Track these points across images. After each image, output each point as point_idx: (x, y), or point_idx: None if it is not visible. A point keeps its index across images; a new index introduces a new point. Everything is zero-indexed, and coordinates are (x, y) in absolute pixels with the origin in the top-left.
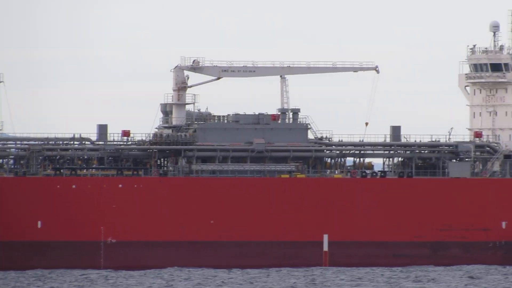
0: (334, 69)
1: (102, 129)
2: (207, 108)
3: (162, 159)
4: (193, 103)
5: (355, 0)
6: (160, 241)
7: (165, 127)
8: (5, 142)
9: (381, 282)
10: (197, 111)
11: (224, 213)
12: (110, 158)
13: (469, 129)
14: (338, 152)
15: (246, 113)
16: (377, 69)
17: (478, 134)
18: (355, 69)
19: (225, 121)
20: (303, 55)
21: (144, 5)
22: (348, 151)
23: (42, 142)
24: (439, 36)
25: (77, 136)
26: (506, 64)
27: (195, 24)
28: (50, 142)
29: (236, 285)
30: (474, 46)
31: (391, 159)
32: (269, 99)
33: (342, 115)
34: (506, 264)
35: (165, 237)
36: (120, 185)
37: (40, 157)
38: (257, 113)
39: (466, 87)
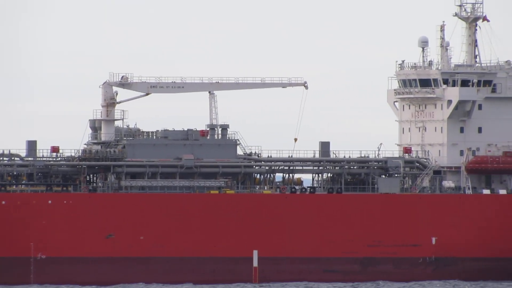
0: (263, 85)
1: (31, 145)
2: (136, 124)
3: (91, 175)
4: (122, 119)
5: (284, 16)
6: (90, 257)
7: (94, 143)
8: None
9: None
10: (126, 127)
11: (153, 229)
12: (39, 174)
13: (398, 145)
14: (267, 168)
15: (175, 129)
16: (305, 85)
17: (407, 150)
18: (283, 85)
19: (154, 137)
20: (233, 70)
21: (72, 21)
22: (277, 167)
23: None
24: (368, 52)
25: (6, 152)
26: (435, 80)
27: (124, 40)
28: None
29: None
30: (403, 61)
31: (320, 175)
32: (198, 115)
33: (271, 131)
34: (436, 279)
35: (95, 253)
36: (50, 201)
37: None
38: (186, 129)
39: (395, 103)
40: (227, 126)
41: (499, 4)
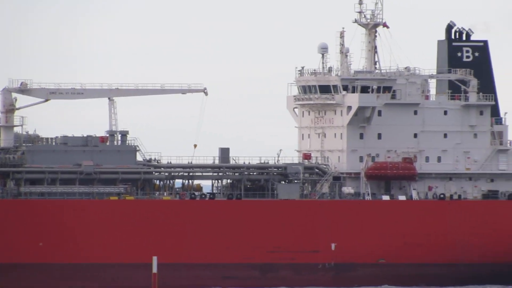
0: (162, 91)
1: None
2: (35, 130)
3: None
4: (21, 125)
5: (185, 23)
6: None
7: None
8: None
9: None
10: (25, 133)
11: (52, 235)
12: None
13: (298, 151)
14: (166, 174)
15: (75, 135)
16: (205, 91)
17: (307, 156)
18: (183, 91)
19: (54, 143)
20: (135, 76)
21: None
22: (176, 173)
23: None
24: (268, 58)
25: None
26: (334, 86)
27: (24, 45)
28: None
29: None
30: (303, 68)
31: (220, 181)
32: (98, 121)
33: (171, 137)
34: (336, 286)
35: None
36: None
37: None
38: (85, 135)
39: (295, 109)
40: (127, 132)
41: (399, 11)
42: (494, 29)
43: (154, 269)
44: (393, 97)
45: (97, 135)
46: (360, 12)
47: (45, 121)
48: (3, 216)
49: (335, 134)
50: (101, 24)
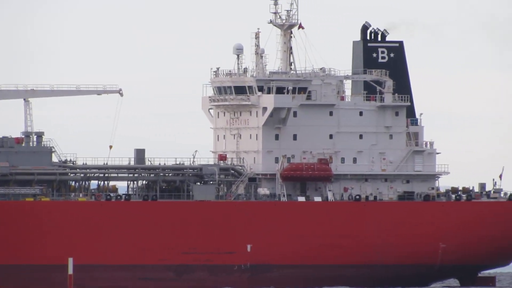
0: (78, 92)
1: None
2: None
3: None
4: None
5: (99, 25)
6: None
7: None
8: None
9: None
10: None
11: None
12: None
13: (213, 152)
14: (82, 175)
15: None
16: (120, 92)
17: (222, 157)
18: (99, 92)
19: None
20: (52, 77)
21: None
22: (92, 174)
23: None
24: (183, 58)
25: None
26: (250, 87)
27: None
28: None
29: None
30: (218, 68)
31: (135, 182)
32: (13, 122)
33: (87, 138)
34: (252, 287)
35: None
36: None
37: None
38: (1, 136)
39: (210, 110)
40: (42, 133)
41: (314, 12)
42: (409, 29)
43: (70, 271)
44: (309, 98)
45: (12, 136)
46: (275, 13)
47: None
48: None
49: (250, 135)
50: (18, 24)
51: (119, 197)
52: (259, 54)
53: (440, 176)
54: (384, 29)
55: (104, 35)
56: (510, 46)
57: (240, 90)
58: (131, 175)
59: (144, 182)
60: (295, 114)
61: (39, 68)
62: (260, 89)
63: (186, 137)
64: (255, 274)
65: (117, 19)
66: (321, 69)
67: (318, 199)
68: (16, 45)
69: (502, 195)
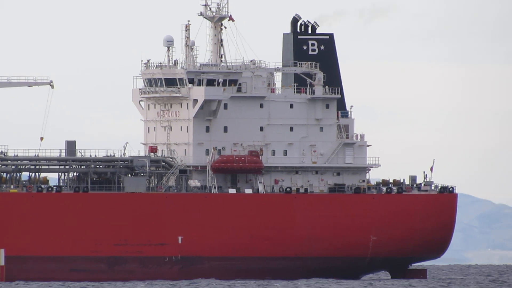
0: (9, 84)
1: None
2: None
3: None
4: None
5: (32, 17)
6: None
7: None
8: None
9: None
10: None
11: None
12: None
13: (144, 144)
14: (13, 166)
15: None
16: (51, 84)
17: (153, 149)
18: (29, 84)
19: None
20: None
21: None
22: (23, 166)
23: None
24: (113, 51)
25: None
26: (180, 79)
27: None
28: None
29: None
30: (148, 61)
31: (66, 174)
32: None
33: (17, 130)
34: (183, 279)
35: None
36: None
37: None
38: None
39: (141, 102)
40: None
41: (244, 4)
42: (340, 21)
43: (2, 262)
44: (239, 90)
45: None
46: (205, 5)
47: None
48: None
49: (181, 127)
50: None
51: (50, 189)
52: (190, 46)
53: (371, 168)
54: (314, 22)
55: (35, 27)
56: (440, 38)
57: (170, 82)
58: (62, 166)
59: (75, 174)
60: (225, 106)
61: None
62: (191, 81)
63: (117, 129)
64: (186, 266)
65: (49, 11)
66: (251, 61)
67: (249, 191)
68: None
69: (433, 187)
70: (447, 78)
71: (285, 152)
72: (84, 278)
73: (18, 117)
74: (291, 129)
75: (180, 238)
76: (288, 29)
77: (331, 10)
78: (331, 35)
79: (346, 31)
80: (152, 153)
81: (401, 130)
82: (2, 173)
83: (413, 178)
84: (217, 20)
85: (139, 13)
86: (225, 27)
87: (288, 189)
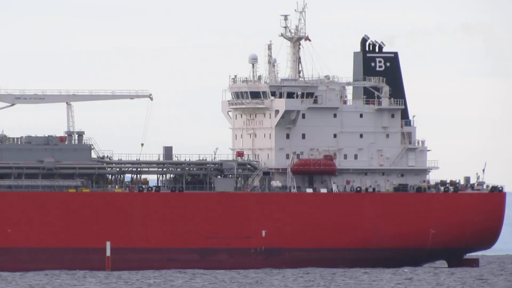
0: (113, 97)
1: None
2: (2, 131)
3: None
4: None
5: (133, 38)
6: None
7: None
8: None
9: (152, 278)
10: None
11: (19, 223)
12: None
13: (232, 149)
14: (118, 169)
15: (37, 135)
16: (150, 96)
17: (240, 154)
18: (131, 97)
19: (19, 142)
20: (90, 83)
21: None
22: (126, 168)
23: None
24: (204, 67)
25: None
26: (264, 92)
27: None
28: None
29: (35, 281)
30: (235, 76)
31: (164, 175)
32: (57, 122)
33: (121, 136)
34: (266, 267)
35: None
36: None
37: None
38: (47, 135)
39: (229, 112)
40: (83, 132)
41: (319, 26)
42: (404, 41)
43: (108, 253)
44: (315, 102)
45: (57, 135)
46: (285, 27)
47: (11, 123)
48: None
49: (264, 134)
50: (61, 34)
51: (150, 189)
52: (272, 63)
53: (431, 170)
54: (381, 41)
55: (137, 48)
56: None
57: (255, 95)
58: (160, 169)
59: (171, 175)
60: (303, 116)
61: (79, 75)
62: (273, 94)
63: (208, 136)
64: (269, 257)
65: (148, 32)
66: (326, 76)
67: (324, 190)
68: (61, 55)
69: (484, 187)
70: (493, 91)
71: (356, 156)
72: (179, 267)
73: (122, 125)
74: (361, 136)
75: (263, 232)
76: (358, 48)
77: (396, 31)
78: (395, 53)
79: (409, 49)
80: (239, 157)
81: (458, 137)
82: (107, 175)
83: (467, 179)
84: (296, 40)
85: (228, 34)
86: (302, 47)
87: (358, 189)
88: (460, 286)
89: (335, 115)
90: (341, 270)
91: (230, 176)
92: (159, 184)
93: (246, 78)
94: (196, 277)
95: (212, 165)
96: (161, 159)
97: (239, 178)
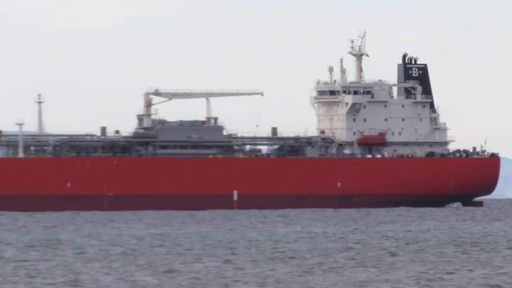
0: (237, 93)
1: (103, 130)
2: (163, 117)
3: (138, 147)
4: (155, 114)
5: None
6: (147, 194)
7: (140, 128)
8: (46, 137)
9: (256, 213)
10: (158, 118)
11: (176, 177)
12: (109, 146)
13: (317, 129)
14: (241, 142)
15: (187, 120)
16: (262, 93)
17: (322, 132)
18: (249, 93)
19: (175, 125)
20: (222, 83)
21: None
22: (247, 142)
23: (68, 137)
24: (298, 74)
25: (88, 133)
26: (338, 91)
27: (160, 59)
28: (73, 137)
29: (175, 212)
30: (319, 80)
31: (272, 146)
32: (200, 111)
33: (242, 120)
34: (340, 208)
35: (146, 191)
36: (115, 162)
37: (68, 146)
38: (193, 119)
39: (315, 104)
40: (217, 118)
41: (375, 45)
42: (431, 56)
43: (235, 198)
44: (372, 97)
45: (199, 119)
46: (352, 47)
47: (170, 111)
48: (146, 167)
49: (338, 119)
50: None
51: (262, 155)
52: (342, 71)
53: (450, 142)
54: (416, 57)
55: (253, 59)
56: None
57: (332, 92)
58: (269, 142)
59: (276, 146)
60: (364, 106)
61: (214, 78)
62: (344, 92)
63: (301, 121)
64: (343, 200)
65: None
66: (379, 80)
67: (378, 156)
68: (204, 67)
69: (486, 154)
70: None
71: (400, 133)
72: (281, 207)
73: (243, 112)
74: (403, 120)
75: (339, 184)
76: (400, 61)
77: (426, 49)
78: (425, 65)
79: (435, 61)
80: (321, 134)
81: (469, 120)
82: (234, 146)
83: (474, 148)
84: (358, 56)
85: (315, 52)
86: (363, 60)
87: (401, 155)
88: (471, 215)
89: (385, 106)
90: (391, 209)
91: (316, 147)
92: (268, 152)
93: (325, 81)
94: (299, 212)
95: (304, 139)
96: (270, 135)
97: (322, 148)
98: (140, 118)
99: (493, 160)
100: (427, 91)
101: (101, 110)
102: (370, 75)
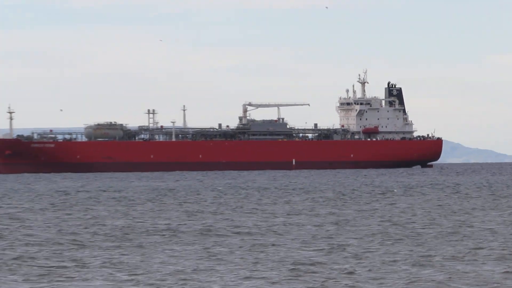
0: (293, 104)
1: (219, 125)
2: (253, 118)
3: (239, 135)
4: (249, 116)
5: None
6: (244, 162)
7: (240, 124)
8: (187, 129)
9: (313, 174)
10: (250, 118)
11: (262, 152)
12: (223, 134)
13: (340, 124)
14: (297, 132)
15: (267, 119)
16: (308, 104)
17: (342, 126)
18: (298, 105)
19: (260, 122)
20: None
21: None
22: (300, 132)
23: (200, 129)
24: (331, 93)
25: (211, 127)
26: (351, 103)
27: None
28: (203, 129)
29: (260, 171)
30: (340, 97)
31: (314, 134)
32: (274, 114)
33: (301, 120)
34: (352, 168)
35: (244, 160)
36: (226, 144)
37: (200, 134)
38: (270, 119)
39: (338, 110)
40: (283, 118)
41: (374, 76)
42: (405, 82)
43: (294, 163)
44: (370, 106)
45: (274, 119)
46: (359, 78)
47: (256, 115)
48: (243, 146)
49: (351, 118)
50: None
51: (308, 139)
52: (354, 91)
53: (414, 132)
54: (395, 83)
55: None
56: None
57: (348, 103)
58: (312, 132)
59: (316, 134)
60: (366, 111)
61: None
62: (355, 103)
63: (330, 118)
64: (356, 165)
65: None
66: (373, 97)
67: (374, 139)
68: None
69: (434, 138)
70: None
71: (386, 126)
72: (318, 168)
73: (296, 116)
74: (388, 119)
75: (352, 155)
76: (386, 85)
77: (402, 77)
78: (400, 88)
79: (411, 84)
80: (342, 127)
81: (426, 119)
82: (294, 134)
83: (428, 135)
84: (363, 83)
85: (337, 80)
86: (366, 84)
87: (387, 138)
88: (429, 173)
89: (378, 111)
90: (382, 169)
91: (339, 134)
92: (312, 137)
93: (344, 97)
94: (330, 171)
95: (332, 130)
96: (313, 128)
97: (342, 135)
98: (240, 118)
99: (438, 141)
100: (401, 103)
101: (220, 113)
102: (369, 94)
